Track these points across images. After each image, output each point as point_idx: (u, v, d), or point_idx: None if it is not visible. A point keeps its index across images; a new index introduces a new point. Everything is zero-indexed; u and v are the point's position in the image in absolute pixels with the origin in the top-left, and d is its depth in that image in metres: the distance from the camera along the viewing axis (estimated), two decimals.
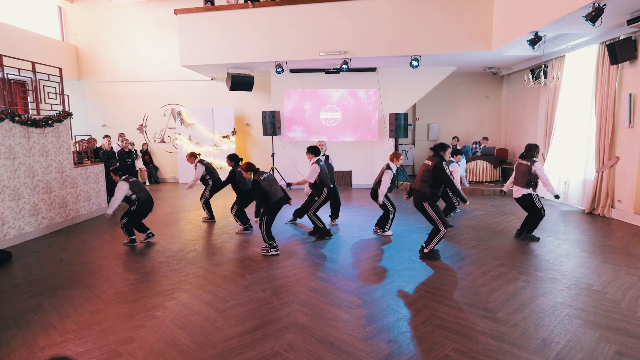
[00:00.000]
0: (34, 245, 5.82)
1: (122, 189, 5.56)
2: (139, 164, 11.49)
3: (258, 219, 5.07)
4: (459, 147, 10.85)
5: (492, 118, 11.95)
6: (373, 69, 10.49)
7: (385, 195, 5.90)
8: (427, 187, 4.82)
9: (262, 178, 5.07)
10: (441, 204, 6.93)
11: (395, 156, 6.02)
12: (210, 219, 7.11)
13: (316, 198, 5.94)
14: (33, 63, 6.63)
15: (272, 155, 10.73)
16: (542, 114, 9.24)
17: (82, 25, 12.29)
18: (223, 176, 7.17)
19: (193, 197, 9.47)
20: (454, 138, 11.00)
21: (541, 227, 6.54)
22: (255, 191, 5.07)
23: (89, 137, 8.41)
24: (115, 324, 3.40)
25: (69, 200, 7.00)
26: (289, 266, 4.79)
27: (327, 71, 10.34)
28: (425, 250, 5.00)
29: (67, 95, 7.40)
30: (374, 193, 6.06)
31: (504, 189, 6.12)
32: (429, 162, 4.86)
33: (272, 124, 10.29)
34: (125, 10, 12.10)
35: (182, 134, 11.95)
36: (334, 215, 6.88)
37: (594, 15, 5.32)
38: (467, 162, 9.97)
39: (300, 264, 4.86)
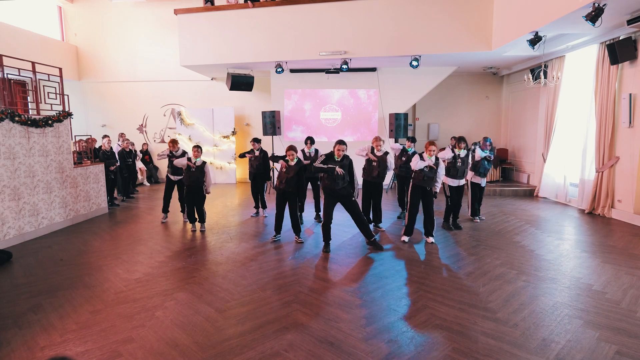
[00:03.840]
0: (34, 245, 5.82)
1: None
2: (139, 164, 11.49)
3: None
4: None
5: (492, 118, 11.95)
6: (373, 69, 10.48)
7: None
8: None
9: None
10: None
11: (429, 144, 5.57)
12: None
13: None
14: (33, 63, 6.63)
15: (272, 155, 10.71)
16: (542, 114, 9.25)
17: (82, 25, 12.29)
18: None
19: None
20: (452, 138, 10.98)
21: (541, 226, 6.56)
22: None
23: (89, 137, 8.41)
24: (115, 324, 3.40)
25: (69, 200, 7.00)
26: (289, 266, 4.79)
27: (327, 71, 10.34)
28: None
29: (67, 95, 7.39)
30: None
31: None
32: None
33: (272, 124, 10.28)
34: (125, 10, 12.10)
35: (182, 134, 11.95)
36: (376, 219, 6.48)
37: (594, 15, 5.32)
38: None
39: (301, 264, 4.86)
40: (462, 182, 6.39)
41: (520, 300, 3.76)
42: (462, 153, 6.26)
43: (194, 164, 6.24)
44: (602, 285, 4.11)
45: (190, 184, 6.31)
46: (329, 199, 5.32)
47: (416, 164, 5.45)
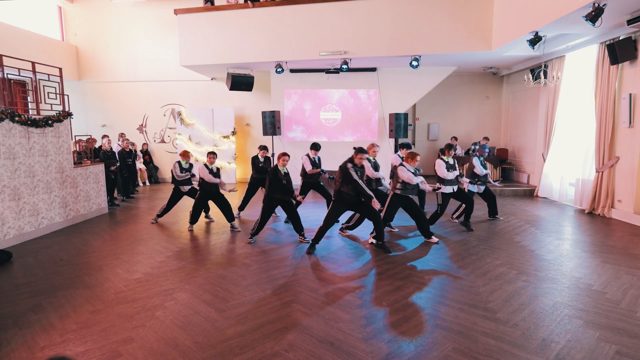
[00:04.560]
0: (34, 245, 5.82)
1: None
2: (139, 164, 11.49)
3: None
4: (456, 147, 10.74)
5: (492, 118, 11.95)
6: (373, 69, 10.48)
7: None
8: (339, 185, 5.20)
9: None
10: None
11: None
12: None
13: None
14: (33, 63, 6.63)
15: (272, 156, 10.72)
16: (542, 114, 9.25)
17: (82, 25, 12.29)
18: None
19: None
20: (452, 138, 11.00)
21: (542, 226, 6.57)
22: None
23: (89, 137, 8.41)
24: (115, 324, 3.40)
25: (69, 200, 7.00)
26: (288, 266, 4.79)
27: (327, 71, 10.34)
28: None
29: (67, 95, 7.39)
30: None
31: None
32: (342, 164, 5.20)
33: (272, 124, 10.29)
34: (125, 10, 12.11)
35: (182, 134, 11.95)
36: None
37: (594, 15, 5.32)
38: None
39: (300, 264, 4.86)
40: (456, 187, 6.33)
41: (520, 300, 3.76)
42: (450, 160, 6.25)
43: (211, 170, 6.36)
44: (602, 285, 4.11)
45: (211, 190, 6.43)
46: (340, 205, 5.27)
47: (409, 176, 5.46)
